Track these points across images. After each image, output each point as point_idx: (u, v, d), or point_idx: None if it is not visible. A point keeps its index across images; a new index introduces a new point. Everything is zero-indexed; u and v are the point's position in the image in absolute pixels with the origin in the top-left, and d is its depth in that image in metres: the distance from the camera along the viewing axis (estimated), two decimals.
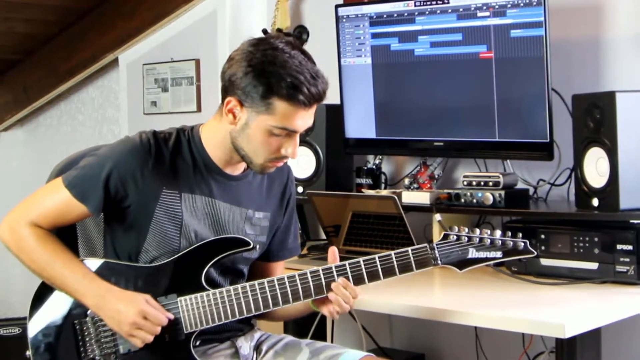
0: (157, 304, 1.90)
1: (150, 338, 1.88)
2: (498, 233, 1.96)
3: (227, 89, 1.91)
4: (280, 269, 2.18)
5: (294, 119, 1.87)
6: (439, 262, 1.93)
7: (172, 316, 1.90)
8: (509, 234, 1.97)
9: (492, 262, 1.98)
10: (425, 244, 1.95)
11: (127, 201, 1.94)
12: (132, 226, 1.96)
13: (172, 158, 1.96)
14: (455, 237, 1.95)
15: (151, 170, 1.93)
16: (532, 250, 1.97)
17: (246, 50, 1.89)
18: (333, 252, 1.96)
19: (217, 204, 2.00)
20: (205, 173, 1.99)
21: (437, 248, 1.94)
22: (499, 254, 1.95)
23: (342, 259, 1.96)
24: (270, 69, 1.84)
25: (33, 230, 1.93)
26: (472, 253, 1.94)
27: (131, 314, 1.87)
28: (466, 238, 1.94)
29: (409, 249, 1.94)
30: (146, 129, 2.00)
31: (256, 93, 1.86)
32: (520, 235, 1.97)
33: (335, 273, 1.92)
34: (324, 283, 1.92)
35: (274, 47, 1.87)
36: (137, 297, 1.89)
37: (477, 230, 1.96)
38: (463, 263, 1.94)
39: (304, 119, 1.89)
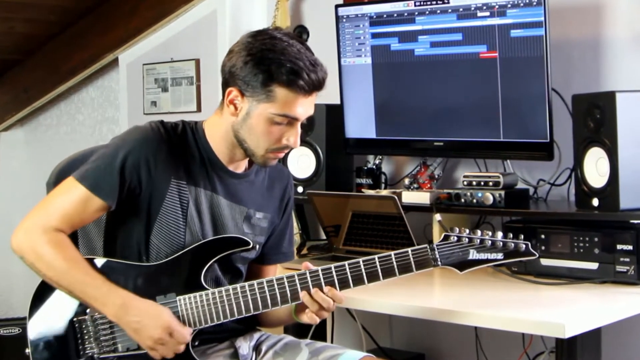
0: (178, 320, 1.89)
1: (171, 355, 1.88)
2: (499, 234, 1.94)
3: (228, 80, 1.91)
4: (273, 273, 2.17)
5: (295, 105, 1.88)
6: (439, 263, 1.92)
7: (191, 330, 1.90)
8: (511, 235, 1.95)
9: (493, 264, 1.97)
10: (425, 245, 1.94)
11: (140, 189, 1.92)
12: (139, 217, 1.94)
13: (180, 148, 1.96)
14: (455, 238, 1.93)
15: (164, 157, 1.92)
16: (534, 252, 1.96)
17: (245, 41, 1.90)
18: (306, 266, 1.95)
19: (219, 200, 2.00)
20: (209, 168, 1.99)
21: (438, 249, 1.93)
22: (500, 255, 1.94)
23: (342, 259, 1.96)
24: (270, 56, 1.85)
25: (51, 236, 1.88)
26: (473, 254, 1.93)
27: (157, 329, 1.86)
28: (467, 239, 1.93)
29: (409, 249, 1.93)
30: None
31: (256, 81, 1.86)
32: (522, 237, 1.96)
33: (334, 273, 1.91)
34: (323, 283, 1.91)
35: (272, 36, 1.89)
36: (163, 312, 1.88)
37: (478, 232, 1.94)
38: (463, 264, 1.93)
39: (305, 106, 1.90)
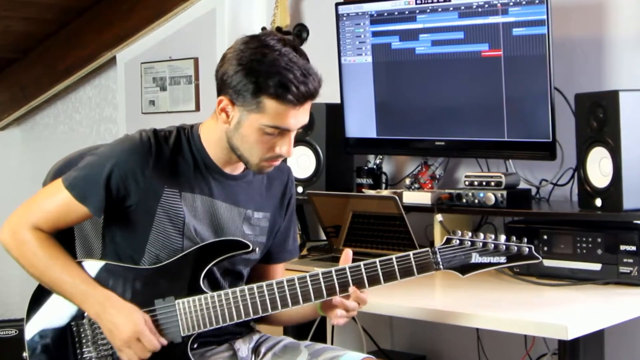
0: (154, 328, 1.88)
1: None
2: (502, 238, 1.92)
3: (220, 87, 1.90)
4: (281, 271, 2.16)
5: (286, 117, 1.85)
6: (441, 266, 1.90)
7: (165, 342, 1.88)
8: (514, 238, 1.93)
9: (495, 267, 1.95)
10: (427, 248, 1.92)
11: (129, 201, 1.92)
12: (134, 227, 1.94)
13: (172, 156, 1.94)
14: (458, 241, 1.91)
15: (152, 168, 1.91)
16: (537, 255, 1.93)
17: (237, 48, 1.87)
18: (347, 254, 1.93)
19: (217, 203, 1.98)
20: (205, 172, 1.97)
21: (439, 252, 1.90)
22: (502, 259, 1.92)
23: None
24: (259, 67, 1.83)
25: (34, 234, 1.91)
26: (475, 258, 1.91)
27: (126, 331, 1.85)
28: (469, 242, 1.91)
29: (411, 253, 1.90)
30: (144, 128, 1.98)
31: (246, 92, 1.84)
32: (525, 239, 1.94)
33: (335, 277, 1.89)
34: (323, 287, 1.89)
35: (265, 44, 1.85)
36: (136, 315, 1.87)
37: (481, 235, 1.92)
38: (466, 268, 1.91)
39: (297, 117, 1.87)
